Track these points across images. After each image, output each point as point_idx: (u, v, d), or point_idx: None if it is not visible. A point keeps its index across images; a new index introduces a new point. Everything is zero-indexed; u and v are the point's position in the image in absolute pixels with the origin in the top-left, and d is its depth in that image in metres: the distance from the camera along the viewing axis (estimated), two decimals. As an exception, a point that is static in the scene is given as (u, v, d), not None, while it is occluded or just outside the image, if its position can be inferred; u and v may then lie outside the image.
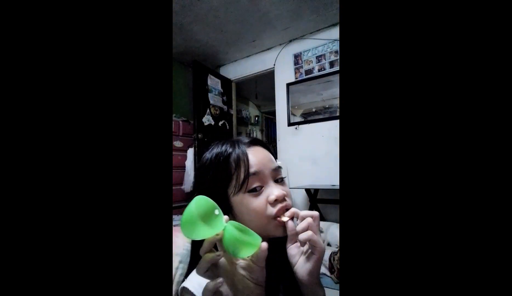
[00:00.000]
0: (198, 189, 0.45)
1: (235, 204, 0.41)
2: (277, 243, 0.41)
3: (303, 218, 0.38)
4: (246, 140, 0.45)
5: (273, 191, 0.41)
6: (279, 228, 0.40)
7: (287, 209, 0.40)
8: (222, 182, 0.42)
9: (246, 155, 0.42)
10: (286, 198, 0.41)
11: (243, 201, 0.41)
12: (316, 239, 0.36)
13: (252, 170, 0.41)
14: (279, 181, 0.44)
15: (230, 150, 0.43)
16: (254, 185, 0.40)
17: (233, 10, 2.17)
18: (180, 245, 0.67)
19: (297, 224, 0.39)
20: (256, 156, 0.42)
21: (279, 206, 0.40)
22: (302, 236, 0.36)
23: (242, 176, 0.40)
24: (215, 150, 0.45)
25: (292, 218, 0.39)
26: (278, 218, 0.40)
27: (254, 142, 0.46)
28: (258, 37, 2.64)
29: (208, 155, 0.45)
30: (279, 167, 0.44)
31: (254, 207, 0.40)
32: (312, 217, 0.38)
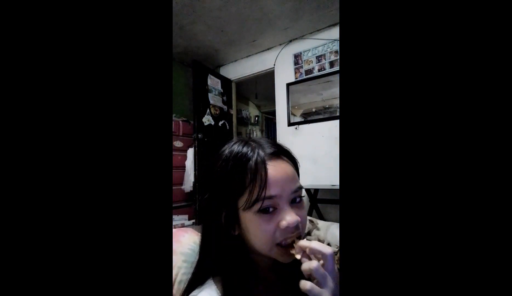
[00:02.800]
0: (206, 188, 0.41)
1: (243, 219, 0.38)
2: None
3: (313, 253, 0.33)
4: (269, 149, 0.38)
5: (286, 217, 0.36)
6: (283, 255, 0.37)
7: (299, 238, 0.36)
8: (234, 191, 0.37)
9: (265, 170, 0.36)
10: (299, 225, 0.37)
11: (252, 219, 0.37)
12: (316, 293, 0.30)
13: (268, 192, 0.35)
14: (297, 201, 0.38)
15: (250, 155, 0.37)
16: (267, 206, 0.36)
17: (233, 10, 2.17)
18: (185, 244, 0.67)
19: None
20: (276, 174, 0.36)
21: (289, 235, 0.36)
22: (301, 286, 0.31)
23: (255, 193, 0.35)
24: (236, 148, 0.39)
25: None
26: (290, 250, 0.36)
27: (278, 153, 0.39)
28: (258, 37, 2.64)
29: (227, 151, 0.40)
30: (300, 187, 0.39)
31: (262, 230, 0.36)
32: (322, 254, 0.32)
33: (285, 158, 0.39)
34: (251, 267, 0.41)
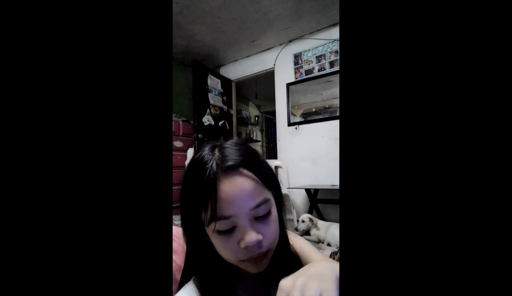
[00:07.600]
0: (181, 201, 0.38)
1: (208, 232, 0.36)
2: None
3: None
4: (228, 161, 0.33)
5: (245, 236, 0.33)
6: (252, 267, 0.35)
7: (260, 254, 0.34)
8: (195, 203, 0.34)
9: (215, 188, 0.32)
10: (262, 243, 0.34)
11: (213, 237, 0.35)
12: None
13: (222, 212, 0.32)
14: (262, 215, 0.34)
15: (207, 166, 0.33)
16: (224, 229, 0.33)
17: (233, 10, 2.17)
18: None
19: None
20: (230, 192, 0.32)
21: (252, 253, 0.34)
22: None
23: (209, 212, 0.32)
24: (200, 155, 0.35)
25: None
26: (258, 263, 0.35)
27: (235, 166, 0.33)
28: (258, 37, 2.64)
29: (196, 155, 0.36)
30: (265, 201, 0.34)
31: (223, 248, 0.34)
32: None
33: (245, 171, 0.34)
34: (227, 269, 0.39)
